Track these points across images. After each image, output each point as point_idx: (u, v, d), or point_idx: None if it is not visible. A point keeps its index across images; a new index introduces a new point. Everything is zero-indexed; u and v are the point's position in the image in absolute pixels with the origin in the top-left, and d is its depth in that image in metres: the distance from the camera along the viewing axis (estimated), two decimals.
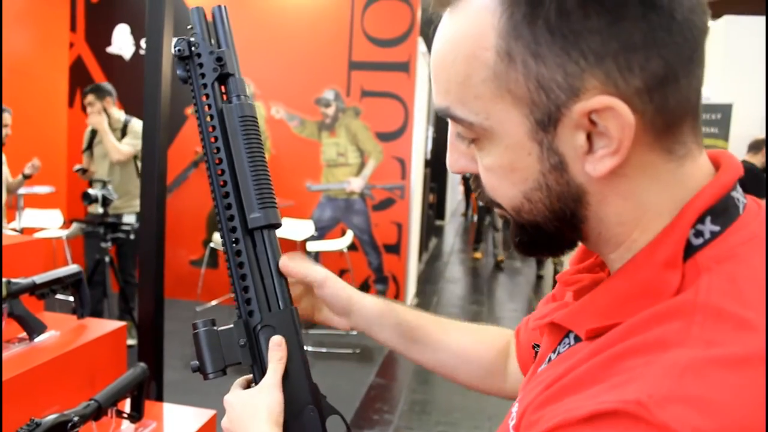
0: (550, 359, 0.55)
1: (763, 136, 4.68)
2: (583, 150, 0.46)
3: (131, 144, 4.08)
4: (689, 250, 0.46)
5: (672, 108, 0.45)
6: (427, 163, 8.20)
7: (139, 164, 4.16)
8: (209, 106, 0.71)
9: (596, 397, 0.40)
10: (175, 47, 0.71)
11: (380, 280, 5.30)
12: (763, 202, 0.52)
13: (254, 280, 0.71)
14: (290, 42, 5.32)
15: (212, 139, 0.71)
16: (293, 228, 4.62)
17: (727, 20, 5.92)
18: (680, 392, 0.37)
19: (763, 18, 5.54)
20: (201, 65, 0.72)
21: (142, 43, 5.60)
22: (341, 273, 5.30)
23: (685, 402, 0.37)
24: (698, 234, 0.46)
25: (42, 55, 5.55)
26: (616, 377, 0.41)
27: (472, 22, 0.47)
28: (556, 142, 0.47)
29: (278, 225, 0.73)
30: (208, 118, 0.71)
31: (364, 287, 5.28)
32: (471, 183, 0.57)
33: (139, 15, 5.53)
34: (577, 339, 0.52)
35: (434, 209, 10.52)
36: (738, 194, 0.49)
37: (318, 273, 0.77)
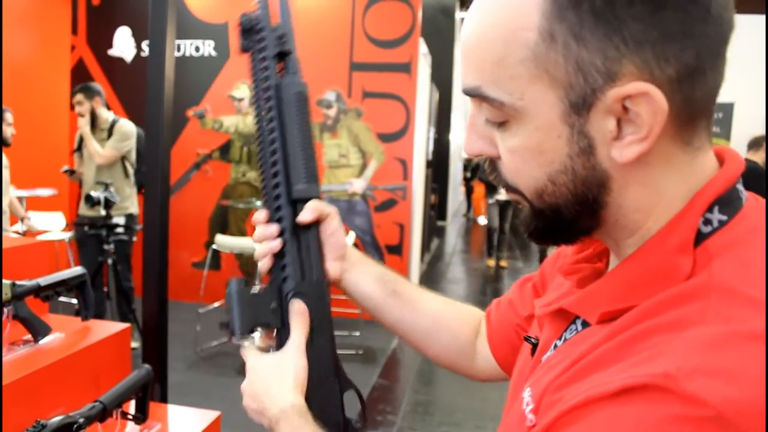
0: (556, 346, 0.57)
1: (762, 133, 4.67)
2: (612, 135, 0.47)
3: (115, 147, 4.06)
4: (699, 238, 0.48)
5: (697, 100, 0.47)
6: (429, 164, 8.20)
7: (128, 165, 4.15)
8: (267, 78, 0.74)
9: (621, 374, 0.41)
10: (240, 19, 0.74)
11: None
12: (762, 199, 0.54)
13: (291, 249, 0.73)
14: None
15: (266, 111, 0.74)
16: None
17: None
18: (707, 365, 0.39)
19: (763, 17, 5.54)
20: (263, 39, 0.75)
21: (144, 45, 5.60)
22: None
23: (713, 374, 0.38)
24: (707, 222, 0.48)
25: (43, 58, 5.56)
26: (638, 355, 0.42)
27: (514, 3, 0.47)
28: (587, 125, 0.47)
29: (317, 196, 0.76)
30: (265, 91, 0.74)
31: None
32: (486, 167, 0.56)
33: (140, 17, 5.54)
34: (585, 324, 0.53)
35: (436, 210, 10.52)
36: (741, 187, 0.51)
37: (331, 206, 0.78)
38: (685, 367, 0.39)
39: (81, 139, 4.17)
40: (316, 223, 0.75)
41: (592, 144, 0.48)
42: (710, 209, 0.49)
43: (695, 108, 0.47)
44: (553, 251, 0.76)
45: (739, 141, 5.39)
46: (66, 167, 4.19)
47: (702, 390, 0.38)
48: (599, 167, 0.48)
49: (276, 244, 0.73)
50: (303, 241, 0.74)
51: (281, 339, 0.73)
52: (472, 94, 0.52)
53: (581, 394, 0.43)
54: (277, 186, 0.73)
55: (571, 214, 0.51)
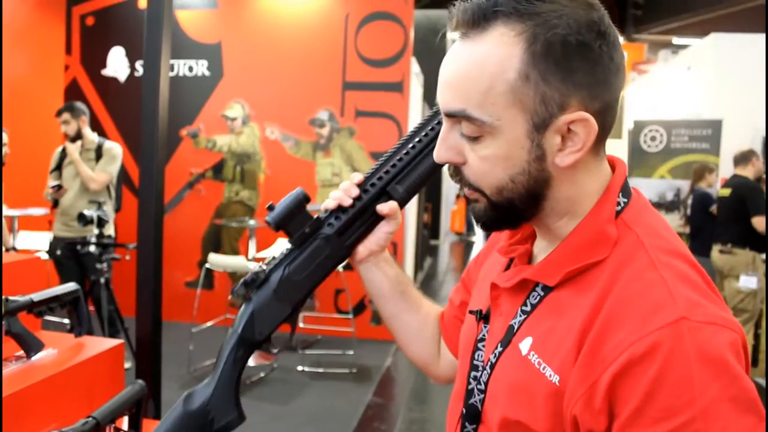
0: (523, 311, 0.73)
1: (747, 148, 4.70)
2: (557, 147, 0.67)
3: (107, 171, 4.05)
4: (616, 213, 0.70)
5: (607, 127, 0.69)
6: None
7: (111, 188, 4.12)
8: (436, 128, 0.88)
9: (643, 329, 0.59)
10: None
11: None
12: (637, 189, 0.75)
13: (352, 213, 0.88)
14: (284, 63, 5.36)
15: (424, 136, 0.89)
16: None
17: (716, 37, 6.00)
18: (688, 299, 0.60)
19: (750, 35, 5.62)
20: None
21: (137, 65, 5.63)
22: (337, 292, 5.29)
23: (697, 305, 0.60)
24: (617, 204, 0.71)
25: (37, 78, 5.57)
26: (638, 303, 0.62)
27: (498, 49, 0.65)
28: (543, 140, 0.66)
29: (401, 205, 0.90)
30: (432, 129, 0.88)
31: (360, 307, 5.26)
32: (451, 172, 0.73)
33: (133, 37, 5.57)
34: (546, 289, 0.71)
35: (429, 229, 10.53)
36: (628, 180, 0.74)
37: (400, 218, 0.93)
38: (684, 308, 0.59)
39: (60, 159, 4.14)
40: (381, 217, 0.90)
41: (544, 153, 0.67)
42: (618, 195, 0.71)
43: (606, 132, 0.69)
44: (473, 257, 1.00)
45: (728, 157, 5.41)
46: (57, 182, 4.08)
47: (703, 316, 0.59)
48: (547, 170, 0.68)
49: (347, 201, 0.88)
50: (364, 217, 0.89)
51: (287, 254, 0.87)
52: (458, 115, 0.68)
53: (618, 358, 0.59)
54: (387, 173, 0.89)
55: (522, 205, 0.70)
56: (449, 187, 13.62)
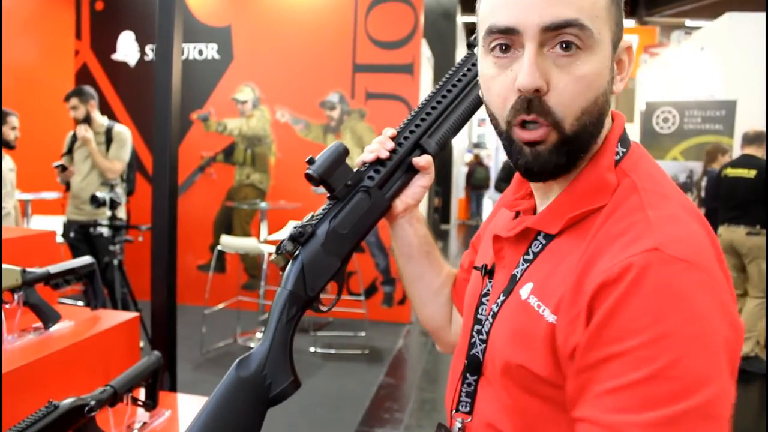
0: (526, 260, 0.74)
1: (756, 129, 4.61)
2: (616, 72, 0.71)
3: (120, 157, 4.06)
4: (615, 162, 0.72)
5: None
6: None
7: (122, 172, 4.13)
8: (471, 71, 0.91)
9: (617, 257, 0.61)
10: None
11: (388, 282, 5.29)
12: (639, 144, 0.76)
13: (390, 166, 0.89)
14: (295, 46, 5.35)
15: (454, 85, 0.91)
16: None
17: (730, 17, 5.92)
18: (668, 235, 0.61)
19: (765, 14, 5.54)
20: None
21: (147, 49, 5.63)
22: (348, 275, 5.30)
23: (675, 240, 0.61)
24: (616, 153, 0.72)
25: (48, 63, 5.59)
26: (618, 240, 0.63)
27: None
28: (613, 62, 0.69)
29: (434, 158, 0.92)
30: (464, 75, 0.92)
31: (372, 289, 5.27)
32: (520, 106, 0.67)
33: (143, 22, 5.57)
34: (547, 237, 0.72)
35: (440, 213, 10.52)
36: (627, 132, 0.76)
37: (433, 172, 0.94)
38: (661, 240, 0.60)
39: (72, 142, 4.15)
40: (416, 170, 0.91)
41: (614, 76, 0.70)
42: (617, 145, 0.73)
43: None
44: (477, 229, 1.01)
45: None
46: (59, 162, 4.09)
47: (676, 251, 0.59)
48: (609, 97, 0.69)
49: (385, 153, 0.88)
50: (400, 170, 0.90)
51: (330, 208, 0.86)
52: (572, 24, 0.64)
53: (596, 281, 0.61)
54: (418, 126, 0.90)
55: (587, 137, 0.69)
56: (460, 172, 13.58)
